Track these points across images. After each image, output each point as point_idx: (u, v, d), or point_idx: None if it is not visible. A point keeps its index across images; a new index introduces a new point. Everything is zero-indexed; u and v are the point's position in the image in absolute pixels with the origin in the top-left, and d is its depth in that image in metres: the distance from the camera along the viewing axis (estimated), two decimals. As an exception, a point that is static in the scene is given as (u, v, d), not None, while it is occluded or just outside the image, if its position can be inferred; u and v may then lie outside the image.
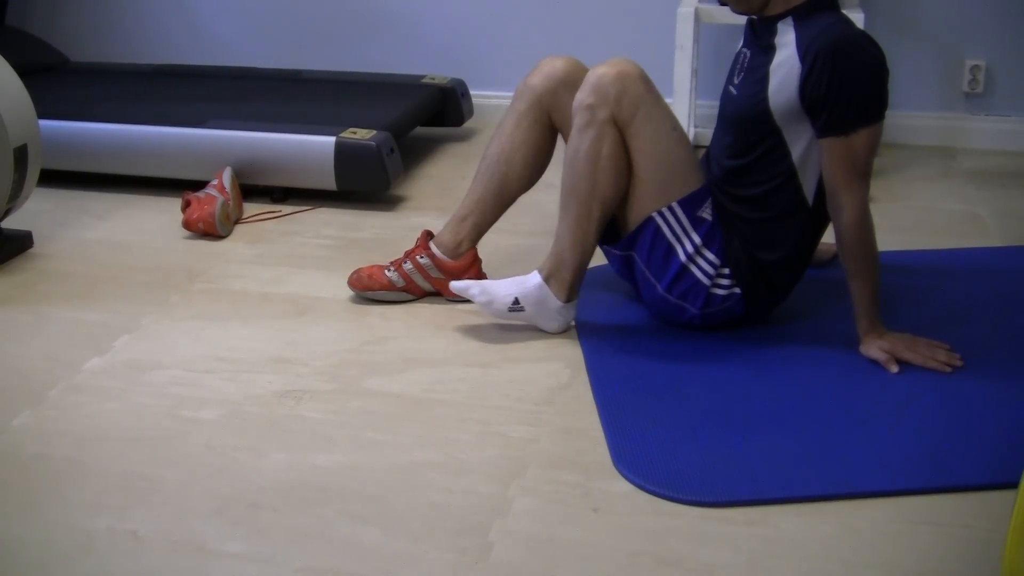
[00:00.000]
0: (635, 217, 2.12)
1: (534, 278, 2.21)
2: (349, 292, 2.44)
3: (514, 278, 2.24)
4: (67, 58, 3.99)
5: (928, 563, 1.55)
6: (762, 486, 1.72)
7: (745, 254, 2.11)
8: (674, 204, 2.09)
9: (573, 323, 2.27)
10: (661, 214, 2.09)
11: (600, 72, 2.08)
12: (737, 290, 2.12)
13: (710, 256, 2.10)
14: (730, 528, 1.63)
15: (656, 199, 2.09)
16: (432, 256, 2.39)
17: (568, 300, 2.22)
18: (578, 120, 2.09)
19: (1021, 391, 1.97)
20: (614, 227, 2.20)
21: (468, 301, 2.39)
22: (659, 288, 2.13)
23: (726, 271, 2.11)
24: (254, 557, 1.60)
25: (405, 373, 2.11)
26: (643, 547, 1.60)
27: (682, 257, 2.10)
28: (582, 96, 2.09)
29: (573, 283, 2.21)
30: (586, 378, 2.08)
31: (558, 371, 2.11)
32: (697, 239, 2.09)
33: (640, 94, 2.07)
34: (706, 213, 2.10)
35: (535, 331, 2.27)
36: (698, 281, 2.10)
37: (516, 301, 2.20)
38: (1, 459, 1.85)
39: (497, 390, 2.04)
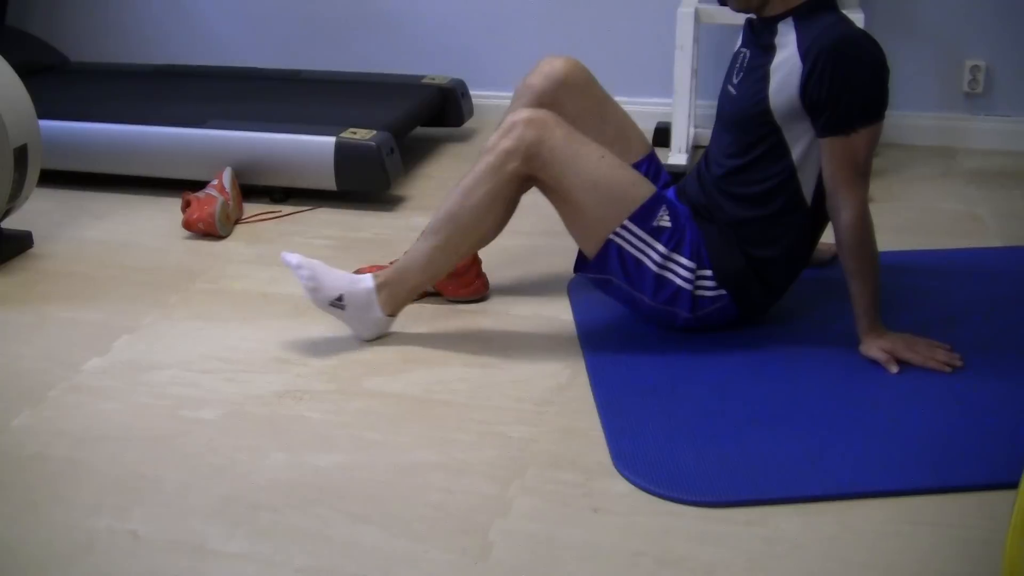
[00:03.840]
0: (595, 245, 2.11)
1: (367, 282, 2.19)
2: (349, 292, 2.44)
3: (348, 274, 2.21)
4: (67, 58, 3.99)
5: (928, 563, 1.55)
6: (762, 486, 1.72)
7: (732, 254, 2.11)
8: (626, 221, 2.08)
9: (384, 335, 2.24)
10: (617, 234, 2.09)
11: (520, 119, 2.08)
12: (723, 291, 2.12)
13: (682, 260, 2.09)
14: (730, 528, 1.63)
15: (608, 223, 2.09)
16: (432, 256, 2.38)
17: (391, 315, 2.22)
18: (489, 158, 2.10)
19: (1021, 391, 1.97)
20: (580, 254, 2.19)
21: (468, 301, 2.39)
22: (646, 299, 2.13)
23: (707, 273, 2.11)
24: (254, 557, 1.60)
25: (405, 373, 2.11)
26: (643, 547, 1.60)
27: (653, 267, 2.09)
28: (496, 139, 2.10)
29: (404, 302, 2.22)
30: (586, 378, 2.07)
31: (558, 371, 2.11)
32: (661, 248, 2.09)
33: (559, 138, 2.07)
34: (664, 220, 2.09)
35: (535, 331, 2.26)
36: (679, 287, 2.10)
37: (340, 298, 2.18)
38: (1, 459, 1.85)
39: (497, 390, 2.04)
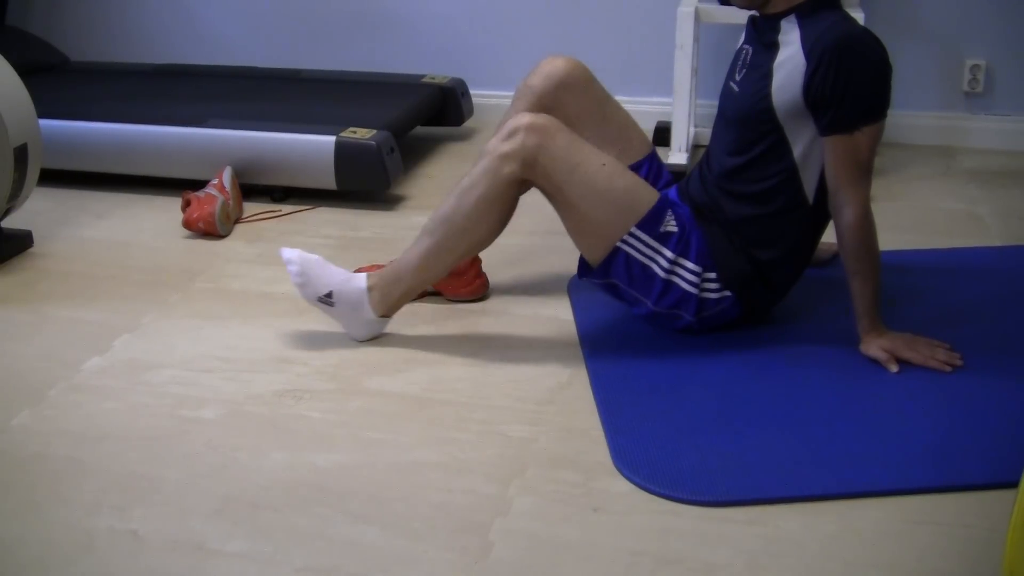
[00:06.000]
0: (600, 252, 2.10)
1: (359, 281, 2.18)
2: (349, 292, 2.44)
3: (343, 271, 2.21)
4: (67, 58, 3.99)
5: (928, 563, 1.55)
6: (762, 486, 1.72)
7: (736, 255, 2.11)
8: (633, 229, 2.07)
9: (378, 335, 2.24)
10: (625, 241, 2.07)
11: (522, 124, 2.06)
12: (728, 293, 2.12)
13: (689, 264, 2.09)
14: (730, 528, 1.63)
15: (615, 231, 2.07)
16: (432, 256, 2.38)
17: (384, 316, 2.21)
18: (485, 163, 2.08)
19: (1021, 391, 1.97)
20: (584, 260, 2.17)
21: (468, 301, 2.39)
22: (649, 304, 2.13)
23: (712, 275, 2.10)
24: (254, 557, 1.60)
25: (405, 373, 2.11)
26: (643, 547, 1.60)
27: (661, 273, 2.09)
28: (496, 142, 2.08)
29: (397, 303, 2.20)
30: (586, 378, 2.07)
31: (558, 371, 2.11)
32: (669, 253, 2.08)
33: (561, 146, 2.05)
34: (670, 226, 2.08)
35: (535, 331, 2.26)
36: (685, 291, 2.10)
37: (329, 294, 2.17)
38: (1, 459, 1.85)
39: (497, 390, 2.04)
